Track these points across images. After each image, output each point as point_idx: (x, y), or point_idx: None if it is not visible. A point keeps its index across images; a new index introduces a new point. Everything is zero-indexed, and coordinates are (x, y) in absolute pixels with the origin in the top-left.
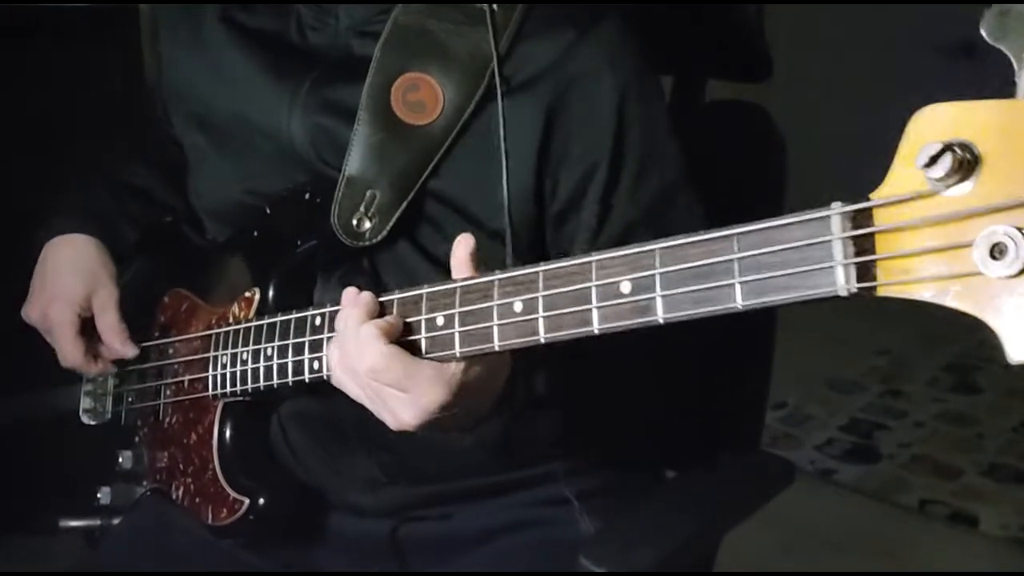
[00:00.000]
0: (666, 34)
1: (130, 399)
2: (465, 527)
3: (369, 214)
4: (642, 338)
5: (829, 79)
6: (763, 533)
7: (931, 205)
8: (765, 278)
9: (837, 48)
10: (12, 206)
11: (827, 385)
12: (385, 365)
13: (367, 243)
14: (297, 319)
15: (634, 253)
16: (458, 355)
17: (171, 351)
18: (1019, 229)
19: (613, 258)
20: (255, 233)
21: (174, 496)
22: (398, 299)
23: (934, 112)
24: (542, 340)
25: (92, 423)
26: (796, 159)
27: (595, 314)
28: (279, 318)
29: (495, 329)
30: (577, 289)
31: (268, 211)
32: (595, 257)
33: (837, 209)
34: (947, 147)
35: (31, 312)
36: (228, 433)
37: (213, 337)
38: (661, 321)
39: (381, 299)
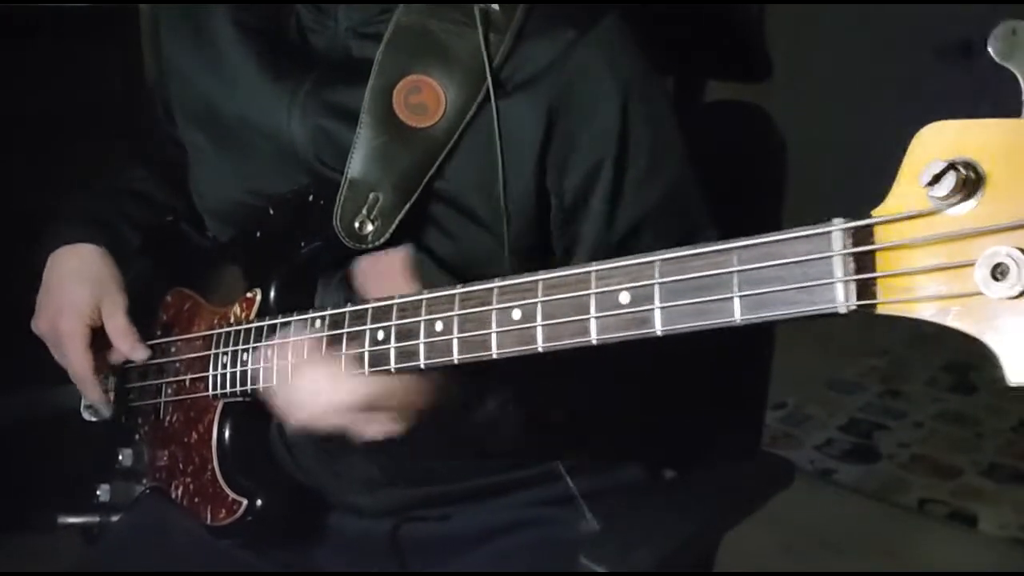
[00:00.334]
0: (666, 34)
1: (132, 396)
2: (465, 527)
3: (372, 217)
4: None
5: (829, 79)
6: (763, 533)
7: (933, 223)
8: (764, 293)
9: (837, 48)
10: (12, 206)
11: (826, 385)
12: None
13: (370, 246)
14: (297, 321)
15: (634, 264)
16: (456, 361)
17: (173, 350)
18: (1021, 250)
19: (613, 268)
20: (257, 234)
21: (173, 495)
22: (397, 304)
23: (939, 129)
24: (540, 349)
25: (93, 420)
26: (796, 159)
27: (593, 324)
28: (279, 319)
29: (493, 336)
30: (576, 297)
31: (271, 212)
32: (595, 267)
33: (838, 225)
34: (951, 166)
35: (40, 325)
36: (227, 433)
37: (214, 337)
38: (659, 333)
39: (380, 304)
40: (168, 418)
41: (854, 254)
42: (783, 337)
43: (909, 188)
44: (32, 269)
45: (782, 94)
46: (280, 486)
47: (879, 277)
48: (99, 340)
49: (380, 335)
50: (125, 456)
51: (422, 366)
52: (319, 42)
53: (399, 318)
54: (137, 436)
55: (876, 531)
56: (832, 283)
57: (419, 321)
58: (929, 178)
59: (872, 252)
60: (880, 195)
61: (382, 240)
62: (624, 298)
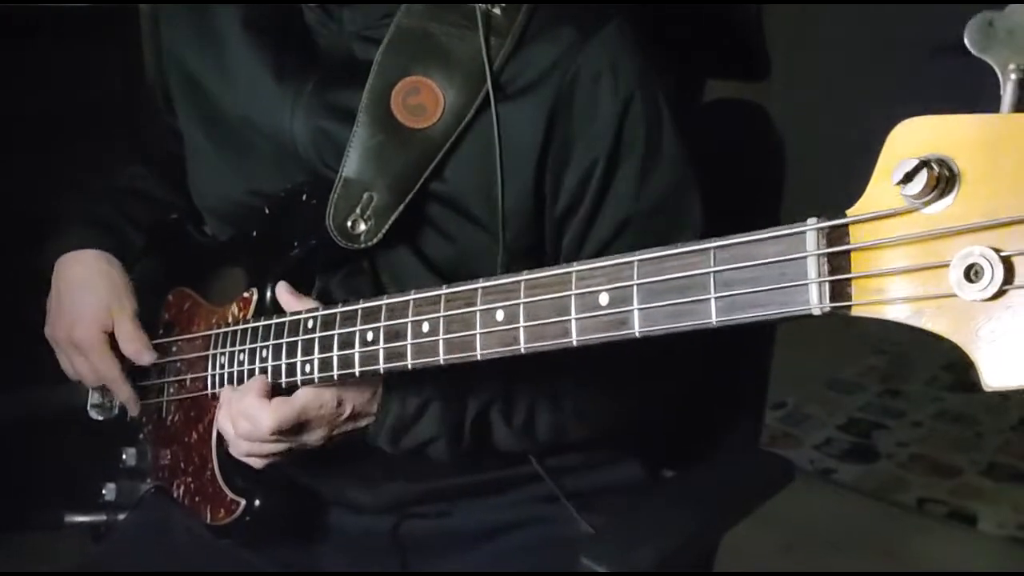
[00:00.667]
0: (665, 33)
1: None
2: (466, 524)
3: (365, 216)
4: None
5: (828, 78)
6: (763, 532)
7: (908, 223)
8: (740, 294)
9: (836, 47)
10: (13, 206)
11: (826, 385)
12: (282, 417)
13: (362, 245)
14: (291, 321)
15: (613, 264)
16: (442, 362)
17: (174, 349)
18: (996, 250)
19: (593, 268)
20: (254, 233)
21: (175, 494)
22: (386, 304)
23: (913, 126)
24: (522, 350)
25: (100, 418)
26: (795, 159)
27: (574, 326)
28: (274, 320)
29: (478, 337)
30: (557, 298)
31: (267, 211)
32: (575, 267)
33: (812, 225)
34: (923, 163)
35: (55, 334)
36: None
37: (213, 337)
38: (637, 335)
39: (370, 304)
40: (170, 417)
41: (828, 254)
42: (783, 336)
43: (884, 186)
44: (35, 270)
45: (781, 93)
46: (278, 486)
47: (853, 278)
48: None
49: (369, 336)
50: (129, 455)
51: (409, 367)
52: (323, 44)
53: (388, 319)
54: (141, 435)
55: (875, 530)
56: (806, 284)
57: (407, 322)
58: (901, 176)
59: (847, 252)
60: None
61: (375, 240)
62: (603, 299)
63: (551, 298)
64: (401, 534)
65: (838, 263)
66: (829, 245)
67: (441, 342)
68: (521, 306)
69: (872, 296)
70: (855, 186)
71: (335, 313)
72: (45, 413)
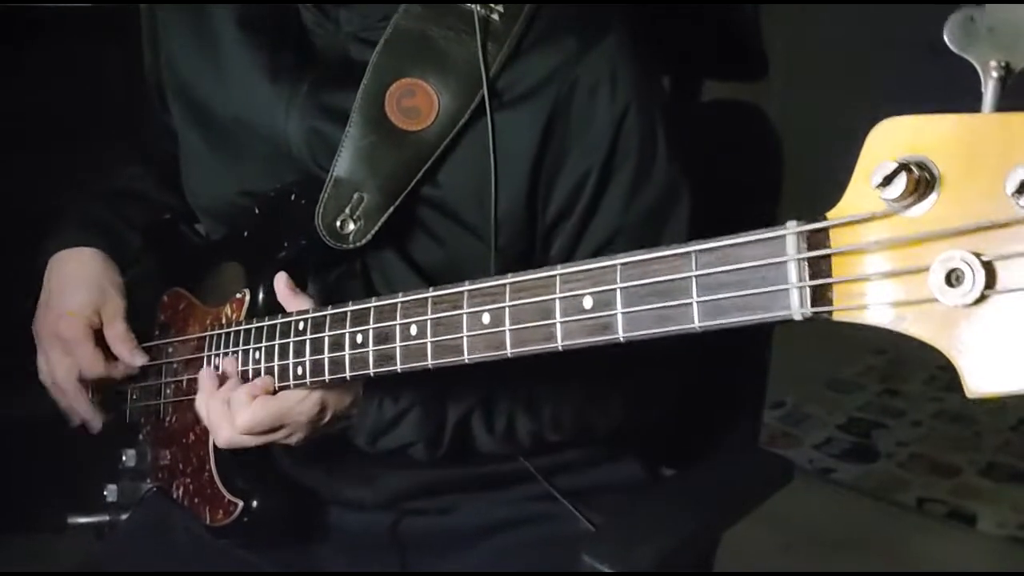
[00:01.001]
0: (662, 34)
1: (134, 397)
2: (466, 522)
3: (355, 216)
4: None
5: (828, 79)
6: (762, 532)
7: (888, 226)
8: (722, 298)
9: (834, 47)
10: (13, 206)
11: (825, 384)
12: (259, 418)
13: (351, 246)
14: (282, 324)
15: (597, 267)
16: (430, 366)
17: (170, 350)
18: (976, 254)
19: (576, 272)
20: (245, 233)
21: (174, 495)
22: (374, 307)
23: (892, 126)
24: (508, 354)
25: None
26: (793, 159)
27: (559, 329)
28: (266, 322)
29: (464, 340)
30: (541, 302)
31: (257, 211)
32: (559, 270)
33: (791, 229)
34: (903, 166)
35: (41, 329)
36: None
37: (207, 338)
38: (622, 339)
39: (359, 306)
40: (168, 419)
41: (808, 259)
42: (782, 336)
43: (864, 188)
44: (35, 270)
45: (780, 93)
46: (277, 486)
47: (834, 283)
48: (104, 342)
49: (359, 338)
50: (129, 457)
51: (399, 370)
52: (320, 44)
53: (377, 321)
54: (141, 436)
55: (875, 530)
56: (787, 289)
57: (395, 324)
58: (880, 180)
59: (827, 256)
60: None
61: (364, 240)
62: (587, 303)
63: (536, 301)
64: (401, 532)
65: (818, 267)
66: (810, 249)
67: (429, 345)
68: (507, 309)
69: (853, 301)
70: None
71: (325, 315)
72: (46, 415)
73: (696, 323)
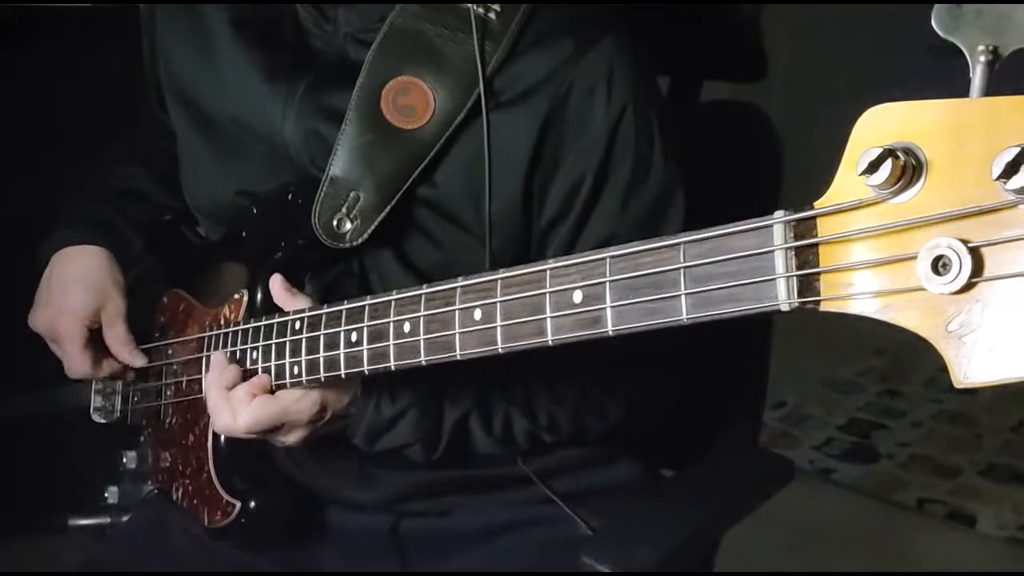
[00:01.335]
0: (661, 34)
1: (135, 398)
2: (466, 524)
3: (351, 215)
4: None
5: (826, 78)
6: (762, 532)
7: (875, 214)
8: (710, 290)
9: (834, 47)
10: (14, 206)
11: (825, 385)
12: (259, 418)
13: (347, 245)
14: (279, 323)
15: (587, 261)
16: (424, 363)
17: (170, 351)
18: (964, 241)
19: (567, 266)
20: (243, 234)
21: (174, 497)
22: (369, 305)
23: (879, 114)
24: (500, 350)
25: (103, 421)
26: (793, 159)
27: (549, 324)
28: (263, 322)
29: (457, 337)
30: (532, 296)
31: (255, 211)
32: (550, 264)
33: (779, 218)
34: (888, 152)
35: (37, 322)
36: (222, 436)
37: (206, 339)
38: (611, 333)
39: (353, 305)
40: (168, 420)
41: (796, 248)
42: (782, 336)
43: (851, 176)
44: (36, 270)
45: (780, 93)
46: (275, 487)
47: (822, 272)
48: (98, 339)
49: (354, 337)
50: (129, 458)
51: (392, 368)
52: (317, 45)
53: (371, 319)
54: (142, 438)
55: (875, 531)
56: (774, 279)
57: (389, 322)
58: (865, 166)
59: (815, 246)
60: None
61: (360, 239)
62: (577, 297)
63: (526, 296)
64: (401, 533)
65: (806, 257)
66: (797, 238)
67: (422, 342)
68: (498, 305)
69: (840, 291)
70: None
71: (320, 314)
72: (46, 417)
73: (684, 316)
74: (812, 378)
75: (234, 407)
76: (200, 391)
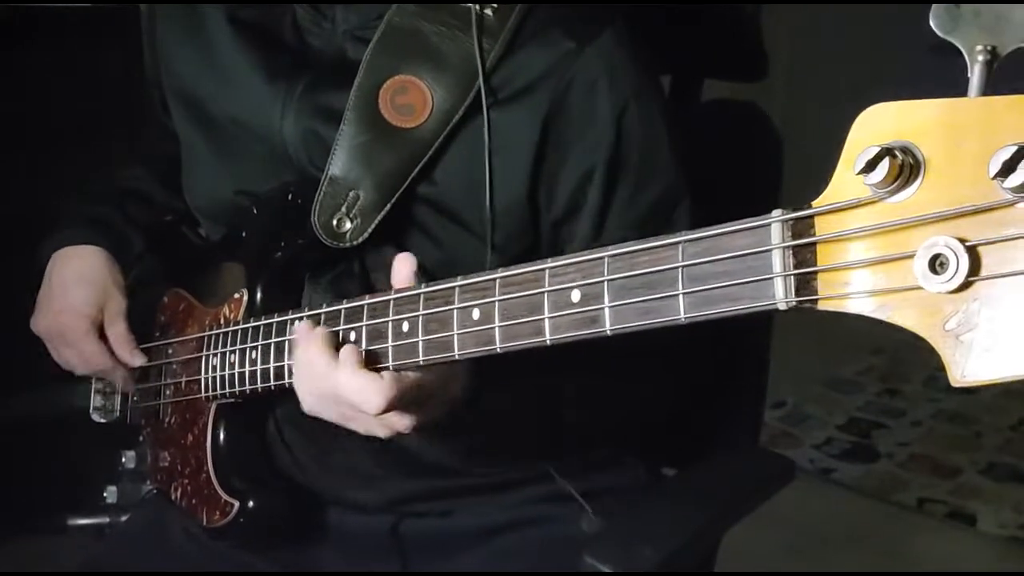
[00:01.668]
0: (662, 33)
1: (134, 398)
2: (466, 524)
3: (351, 215)
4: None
5: (827, 78)
6: (762, 532)
7: (873, 213)
8: (708, 289)
9: (835, 47)
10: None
11: (825, 385)
12: (393, 400)
13: (348, 244)
14: (278, 322)
15: (585, 260)
16: (421, 363)
17: (170, 351)
18: (961, 240)
19: (565, 265)
20: (243, 234)
21: (173, 497)
22: (368, 304)
23: (877, 113)
24: (498, 350)
25: (102, 421)
26: (794, 159)
27: (547, 324)
28: (262, 321)
29: (455, 338)
30: (530, 295)
31: (255, 211)
32: (549, 264)
33: (776, 217)
34: (886, 151)
35: (40, 324)
36: (221, 435)
37: (206, 339)
38: (609, 333)
39: (352, 304)
40: (167, 420)
41: (793, 247)
42: (782, 336)
43: (849, 175)
44: (37, 270)
45: (779, 94)
46: (274, 487)
47: (819, 271)
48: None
49: (352, 336)
50: (128, 458)
51: (390, 367)
52: (315, 43)
53: (370, 318)
54: (141, 438)
55: (875, 530)
56: (771, 278)
57: (387, 322)
58: (863, 165)
59: (812, 245)
60: None
61: (360, 239)
62: (575, 296)
63: (525, 295)
64: (401, 534)
65: (803, 256)
66: (794, 237)
67: (420, 343)
68: (496, 304)
69: (837, 289)
70: None
71: (319, 314)
72: (47, 417)
73: (681, 315)
74: (812, 378)
75: (363, 394)
76: (199, 390)
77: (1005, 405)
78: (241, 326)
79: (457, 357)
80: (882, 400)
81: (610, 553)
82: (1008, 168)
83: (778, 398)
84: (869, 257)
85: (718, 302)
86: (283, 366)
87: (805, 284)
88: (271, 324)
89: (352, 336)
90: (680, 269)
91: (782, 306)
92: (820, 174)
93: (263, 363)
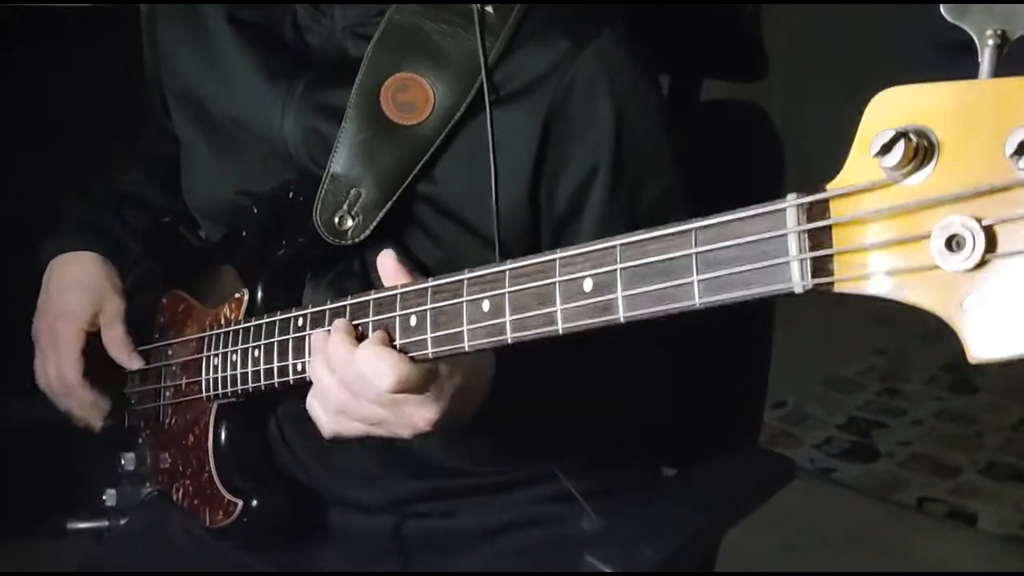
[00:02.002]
0: (662, 33)
1: (133, 401)
2: (468, 524)
3: (352, 212)
4: (640, 336)
5: (828, 78)
6: (763, 531)
7: (888, 195)
8: (723, 275)
9: (836, 47)
10: (14, 209)
11: (826, 384)
12: (406, 376)
13: (349, 242)
14: (281, 321)
15: (596, 249)
16: (431, 355)
17: (169, 352)
18: (977, 219)
19: (576, 254)
20: (244, 233)
21: (174, 498)
22: (373, 299)
23: (891, 96)
24: (509, 341)
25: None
26: (794, 159)
27: (559, 314)
28: (264, 320)
29: (465, 331)
30: (541, 286)
31: (255, 210)
32: (559, 254)
33: (792, 201)
34: (901, 134)
35: (38, 330)
36: (223, 435)
37: (206, 339)
38: (622, 320)
39: (358, 300)
40: (168, 421)
41: (809, 231)
42: (783, 336)
43: (863, 159)
44: (36, 275)
45: (779, 93)
46: (277, 486)
47: (835, 253)
48: (94, 349)
49: (358, 331)
50: (128, 460)
51: None
52: (315, 41)
53: (376, 314)
54: (140, 440)
55: (875, 530)
56: (787, 262)
57: (394, 316)
58: (878, 148)
59: (828, 228)
60: None
61: (362, 236)
62: (587, 285)
63: (535, 286)
64: (403, 534)
65: (819, 239)
66: (809, 221)
67: (429, 337)
68: (506, 295)
69: (854, 271)
70: None
71: (324, 311)
72: (44, 420)
73: (697, 300)
74: (812, 378)
75: (373, 367)
76: (200, 391)
77: (1005, 405)
78: (243, 325)
79: (467, 349)
80: (882, 400)
81: (611, 553)
82: (1023, 147)
83: (778, 398)
84: (885, 239)
85: (734, 287)
86: (286, 365)
87: (822, 267)
88: (273, 322)
89: (358, 331)
90: (694, 255)
91: (799, 289)
92: (820, 174)
93: (266, 362)
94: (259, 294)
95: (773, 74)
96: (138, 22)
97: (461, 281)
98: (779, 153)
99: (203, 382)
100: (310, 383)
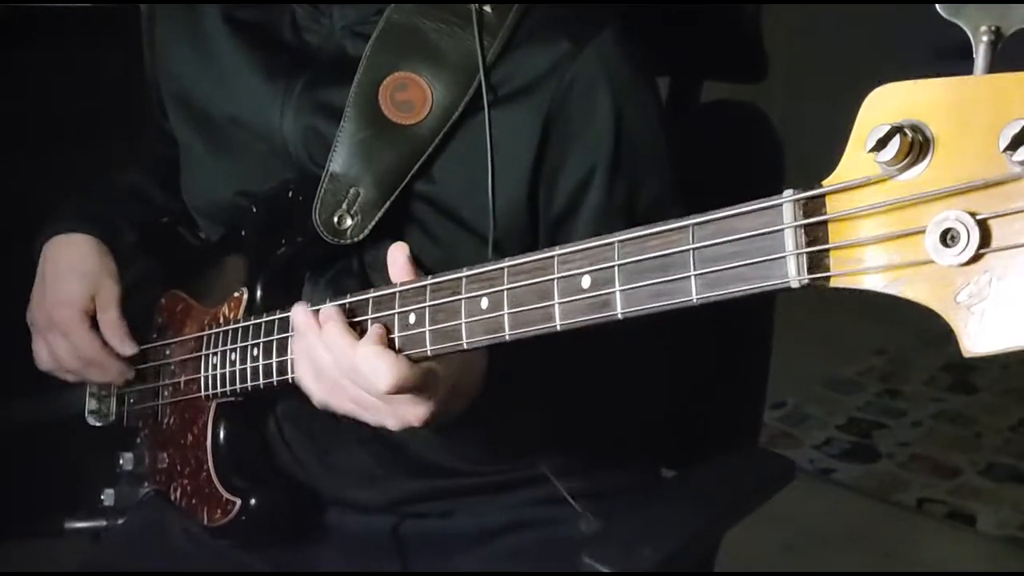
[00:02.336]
0: (661, 34)
1: (131, 400)
2: (467, 525)
3: (351, 212)
4: (640, 336)
5: (828, 79)
6: (763, 532)
7: (884, 190)
8: (720, 270)
9: (835, 49)
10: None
11: (825, 385)
12: (405, 377)
13: (348, 241)
14: (280, 319)
15: (595, 246)
16: (429, 353)
17: (168, 352)
18: (971, 214)
19: (574, 251)
20: (243, 232)
21: (172, 497)
22: (372, 297)
23: (886, 92)
24: (507, 338)
25: (98, 424)
26: (794, 160)
27: (557, 311)
28: (264, 318)
29: (463, 327)
30: (540, 283)
31: (254, 210)
32: (557, 251)
33: (788, 196)
34: (896, 129)
35: (35, 315)
36: (221, 434)
37: (205, 338)
38: (620, 316)
39: (357, 298)
40: (166, 421)
41: (805, 226)
42: (782, 336)
43: (859, 154)
44: (32, 271)
45: (779, 93)
46: (275, 485)
47: (831, 248)
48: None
49: (357, 330)
50: (126, 460)
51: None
52: (314, 40)
53: (375, 312)
54: (138, 440)
55: (875, 530)
56: (784, 257)
57: (393, 314)
58: (873, 143)
59: (824, 223)
60: None
61: (361, 235)
62: (586, 282)
63: (534, 283)
64: (402, 534)
65: (815, 234)
66: (806, 216)
67: (428, 333)
68: (505, 292)
69: (850, 266)
70: None
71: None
72: (42, 420)
73: (694, 297)
74: (812, 378)
75: (372, 367)
76: (198, 390)
77: (1005, 405)
78: (242, 324)
79: (465, 346)
80: (882, 400)
81: (609, 554)
82: (1017, 142)
83: (778, 398)
84: (881, 233)
85: (731, 282)
86: (285, 362)
87: (818, 262)
88: (272, 321)
89: (356, 330)
90: (691, 251)
91: (795, 284)
92: (820, 174)
93: (265, 360)
94: (258, 293)
95: (773, 74)
96: (138, 22)
97: (460, 279)
98: (779, 154)
99: (202, 380)
100: None
